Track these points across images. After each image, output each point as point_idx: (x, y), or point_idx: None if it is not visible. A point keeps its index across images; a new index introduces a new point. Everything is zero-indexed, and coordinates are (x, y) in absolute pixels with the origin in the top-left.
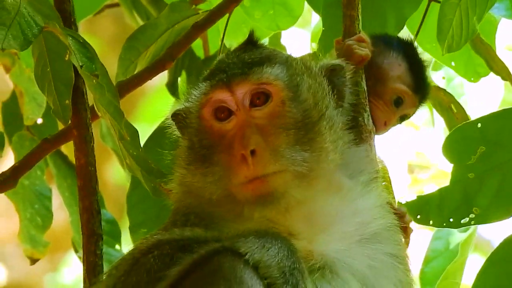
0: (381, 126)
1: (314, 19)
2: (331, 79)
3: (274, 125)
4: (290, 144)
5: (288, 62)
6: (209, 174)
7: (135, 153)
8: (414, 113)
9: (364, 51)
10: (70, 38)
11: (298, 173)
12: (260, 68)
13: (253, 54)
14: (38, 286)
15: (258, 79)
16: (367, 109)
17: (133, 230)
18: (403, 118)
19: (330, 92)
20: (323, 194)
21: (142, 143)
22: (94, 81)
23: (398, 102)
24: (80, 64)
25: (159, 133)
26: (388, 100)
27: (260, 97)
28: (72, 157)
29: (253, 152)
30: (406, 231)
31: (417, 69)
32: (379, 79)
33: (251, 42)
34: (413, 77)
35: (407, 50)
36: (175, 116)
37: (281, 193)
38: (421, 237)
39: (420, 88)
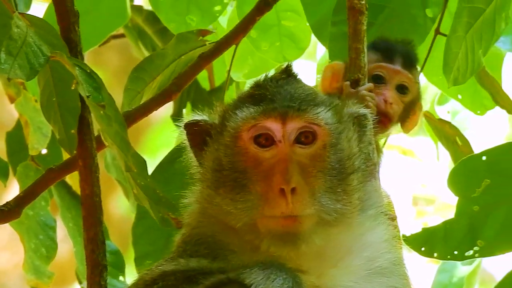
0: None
1: (320, 51)
2: (356, 127)
3: (314, 167)
4: (326, 190)
5: (334, 107)
6: (240, 200)
7: (143, 183)
8: (414, 83)
9: (374, 102)
10: (77, 68)
11: (324, 221)
12: (316, 108)
13: (299, 89)
14: None
15: (312, 118)
16: (373, 142)
17: (138, 262)
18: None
19: (359, 143)
20: (336, 233)
21: None
22: (101, 111)
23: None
24: (87, 94)
25: (165, 165)
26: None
27: (308, 136)
28: (76, 188)
29: (293, 190)
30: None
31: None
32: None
33: (290, 75)
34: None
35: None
36: (191, 126)
37: (306, 237)
38: (427, 270)
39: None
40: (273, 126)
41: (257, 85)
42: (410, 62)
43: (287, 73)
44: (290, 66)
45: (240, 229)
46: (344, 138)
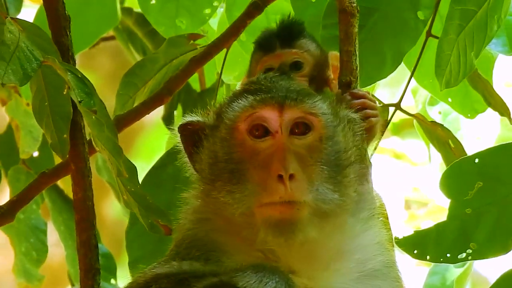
0: None
1: None
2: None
3: (311, 157)
4: (323, 180)
5: (330, 100)
6: (237, 190)
7: (133, 189)
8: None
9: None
10: (69, 73)
11: (320, 211)
12: (313, 99)
13: (294, 84)
14: None
15: (309, 108)
16: (364, 145)
17: (132, 266)
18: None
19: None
20: (328, 233)
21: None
22: (93, 117)
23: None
24: (79, 99)
25: (157, 170)
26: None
27: (300, 127)
28: (68, 191)
29: (291, 177)
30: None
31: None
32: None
33: (284, 73)
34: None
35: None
36: (184, 127)
37: (303, 226)
38: (418, 273)
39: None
40: (270, 115)
41: (251, 82)
42: (287, 38)
43: (281, 72)
44: (284, 66)
45: (237, 223)
46: (340, 131)
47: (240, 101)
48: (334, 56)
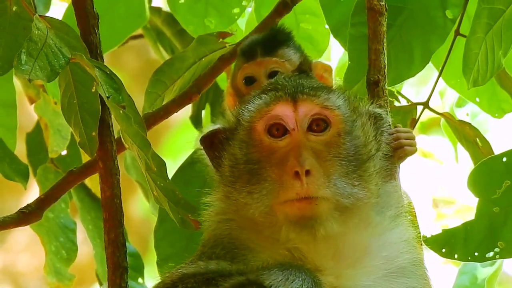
0: None
1: (334, 53)
2: (373, 125)
3: (329, 153)
4: (341, 175)
5: (347, 97)
6: (256, 190)
7: (162, 184)
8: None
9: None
10: (97, 69)
11: (341, 205)
12: (327, 94)
13: (311, 82)
14: None
15: (323, 102)
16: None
17: (160, 264)
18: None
19: (375, 136)
20: (353, 229)
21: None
22: (121, 111)
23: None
24: (107, 95)
25: (186, 168)
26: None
27: (320, 124)
28: (96, 190)
29: (307, 172)
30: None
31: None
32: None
33: (303, 71)
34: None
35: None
36: (207, 138)
37: (323, 220)
38: (447, 272)
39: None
40: (285, 111)
41: (269, 83)
42: (269, 46)
43: (299, 71)
44: (302, 64)
45: (260, 223)
46: (358, 126)
47: (254, 102)
48: (319, 65)
